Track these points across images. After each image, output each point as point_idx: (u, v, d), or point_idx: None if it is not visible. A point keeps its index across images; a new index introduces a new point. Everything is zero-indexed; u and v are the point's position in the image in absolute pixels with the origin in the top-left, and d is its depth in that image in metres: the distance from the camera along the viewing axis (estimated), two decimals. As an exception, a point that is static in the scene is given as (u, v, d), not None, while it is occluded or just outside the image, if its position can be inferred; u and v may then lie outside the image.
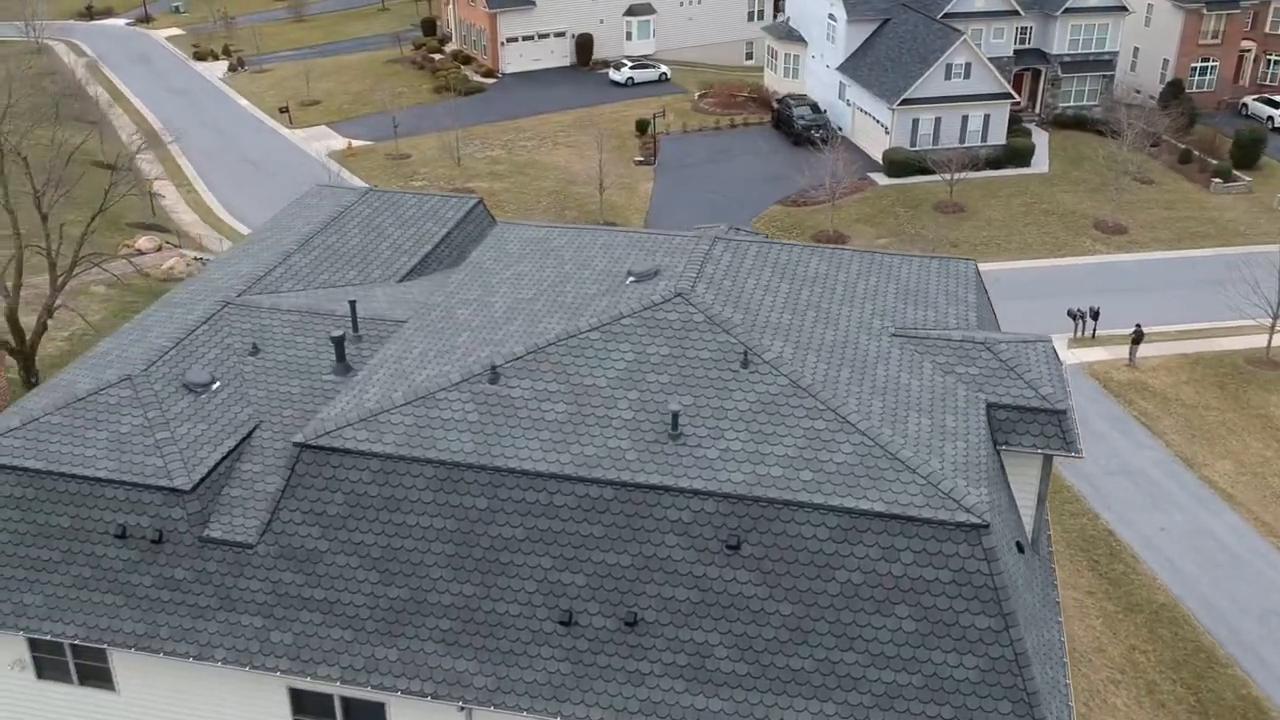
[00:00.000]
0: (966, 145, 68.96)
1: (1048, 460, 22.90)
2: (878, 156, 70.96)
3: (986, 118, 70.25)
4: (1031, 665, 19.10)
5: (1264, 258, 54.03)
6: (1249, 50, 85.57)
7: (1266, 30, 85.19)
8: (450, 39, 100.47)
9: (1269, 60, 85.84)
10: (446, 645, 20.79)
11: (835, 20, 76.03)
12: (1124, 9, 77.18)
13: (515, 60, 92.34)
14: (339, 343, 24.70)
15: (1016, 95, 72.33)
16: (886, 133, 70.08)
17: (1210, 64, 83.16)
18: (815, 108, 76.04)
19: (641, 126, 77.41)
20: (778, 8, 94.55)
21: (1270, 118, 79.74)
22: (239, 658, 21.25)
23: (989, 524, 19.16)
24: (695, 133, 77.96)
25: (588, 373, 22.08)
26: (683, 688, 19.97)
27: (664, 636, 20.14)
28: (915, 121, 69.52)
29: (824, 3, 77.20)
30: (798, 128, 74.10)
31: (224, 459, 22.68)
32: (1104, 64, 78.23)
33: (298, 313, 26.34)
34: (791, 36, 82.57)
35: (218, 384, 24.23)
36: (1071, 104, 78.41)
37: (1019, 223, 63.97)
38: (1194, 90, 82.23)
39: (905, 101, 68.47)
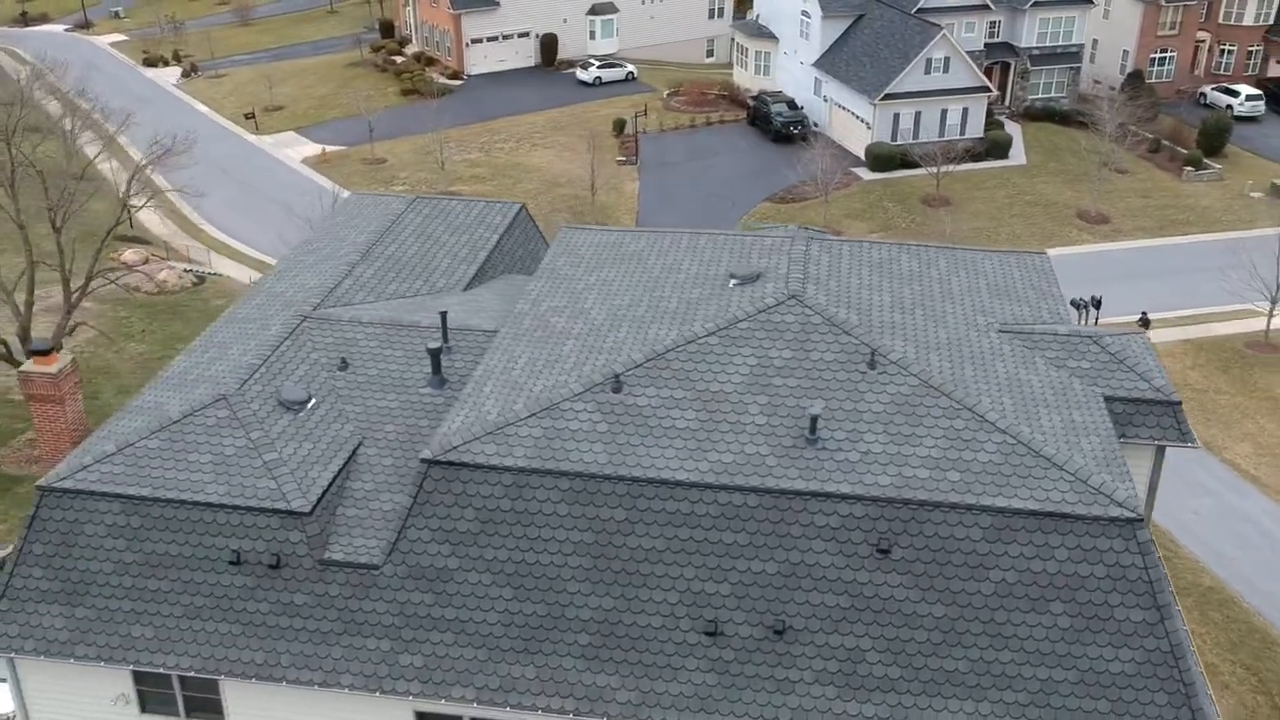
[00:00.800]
0: (946, 139, 69.78)
1: (1160, 451, 23.12)
2: (857, 151, 71.46)
3: (965, 111, 71.13)
4: (1187, 655, 19.24)
5: (1251, 243, 55.38)
6: (1204, 40, 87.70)
7: (1220, 21, 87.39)
8: (410, 41, 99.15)
9: (1223, 50, 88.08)
10: (586, 660, 20.37)
11: (809, 16, 76.37)
12: (1089, 1, 78.63)
13: (480, 61, 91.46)
14: (435, 355, 24.11)
15: (993, 88, 73.33)
16: (868, 128, 70.61)
17: (1168, 54, 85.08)
18: (792, 104, 76.35)
19: (619, 126, 77.10)
20: (744, 5, 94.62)
21: (1229, 106, 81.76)
22: (366, 683, 20.60)
23: (1143, 518, 19.27)
24: (672, 131, 77.87)
25: (711, 379, 21.78)
26: (834, 694, 19.77)
27: (814, 644, 19.92)
28: (896, 116, 70.15)
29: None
30: (776, 124, 74.34)
31: (335, 478, 22.02)
32: (1071, 56, 79.65)
33: (381, 325, 25.67)
34: (762, 34, 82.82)
35: (313, 401, 23.52)
36: (1040, 96, 79.69)
37: (1005, 214, 64.86)
38: (1153, 80, 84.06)
39: (887, 96, 69.05)
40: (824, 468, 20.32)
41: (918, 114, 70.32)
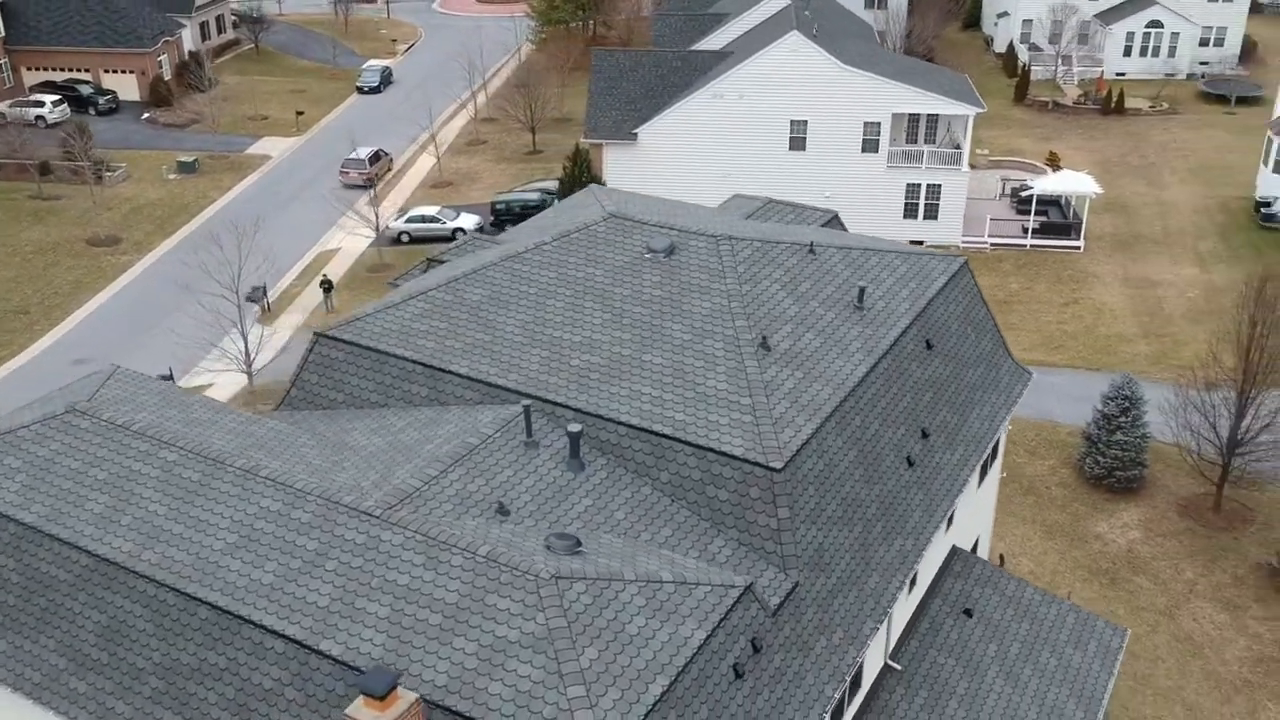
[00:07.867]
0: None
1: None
2: None
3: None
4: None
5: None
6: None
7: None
8: None
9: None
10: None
11: None
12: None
13: None
14: (575, 439, 22.69)
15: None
16: None
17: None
18: None
19: None
20: None
21: (39, 117, 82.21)
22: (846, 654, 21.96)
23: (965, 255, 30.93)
24: None
25: (781, 308, 25.77)
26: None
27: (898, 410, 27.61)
28: None
29: None
30: None
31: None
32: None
33: (442, 463, 22.18)
34: None
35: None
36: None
37: (39, 266, 60.53)
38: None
39: None
40: (889, 318, 27.29)
41: None
